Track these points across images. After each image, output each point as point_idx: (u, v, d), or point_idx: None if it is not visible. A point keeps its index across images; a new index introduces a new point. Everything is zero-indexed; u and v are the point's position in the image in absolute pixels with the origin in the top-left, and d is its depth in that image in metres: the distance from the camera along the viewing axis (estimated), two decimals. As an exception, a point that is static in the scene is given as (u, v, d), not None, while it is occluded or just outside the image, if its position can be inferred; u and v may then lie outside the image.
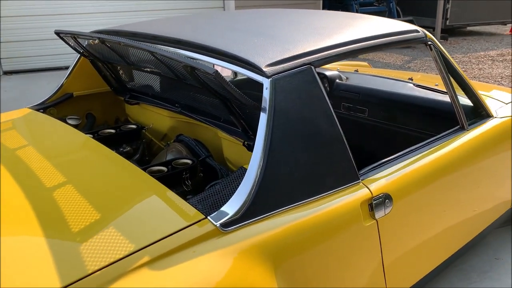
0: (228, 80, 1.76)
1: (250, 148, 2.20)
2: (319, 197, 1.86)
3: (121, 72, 3.05)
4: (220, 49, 2.02)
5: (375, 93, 3.51)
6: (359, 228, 1.96)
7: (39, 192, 1.79)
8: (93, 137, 2.69)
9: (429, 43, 2.50)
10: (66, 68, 3.04)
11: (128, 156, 2.81)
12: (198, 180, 2.37)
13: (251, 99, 1.88)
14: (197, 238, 1.54)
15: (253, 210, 1.66)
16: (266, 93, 1.71)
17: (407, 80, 3.63)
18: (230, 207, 1.65)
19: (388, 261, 2.12)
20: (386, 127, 3.42)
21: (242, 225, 1.64)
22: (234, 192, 1.72)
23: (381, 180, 2.10)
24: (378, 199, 2.02)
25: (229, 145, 2.47)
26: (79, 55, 3.06)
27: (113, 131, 2.81)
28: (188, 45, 2.17)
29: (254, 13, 2.86)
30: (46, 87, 7.69)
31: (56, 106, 3.09)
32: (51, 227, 1.54)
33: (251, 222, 1.66)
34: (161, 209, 1.66)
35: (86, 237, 1.42)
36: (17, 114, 2.84)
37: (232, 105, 2.07)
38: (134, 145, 2.87)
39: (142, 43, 2.21)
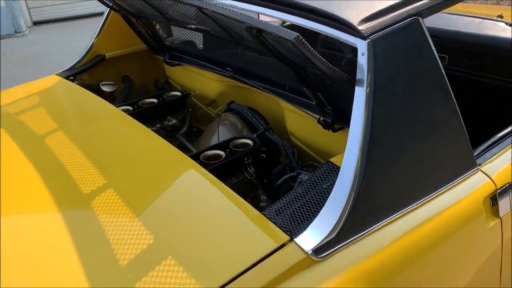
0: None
1: (327, 125, 1.73)
2: (433, 195, 1.41)
3: (158, 27, 2.57)
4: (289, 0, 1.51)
5: (457, 36, 2.89)
6: (481, 232, 1.50)
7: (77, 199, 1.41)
8: (134, 110, 2.28)
9: None
10: (100, 14, 2.57)
11: (174, 129, 2.39)
12: (260, 162, 1.95)
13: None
14: (284, 274, 1.13)
15: (353, 226, 1.23)
16: (362, 60, 1.24)
17: (496, 18, 2.99)
18: (322, 225, 1.22)
19: (506, 263, 1.67)
20: (472, 78, 2.83)
21: (341, 247, 1.22)
22: (322, 199, 1.28)
23: (502, 163, 1.61)
24: (502, 190, 1.55)
25: (295, 118, 2.02)
26: (108, 9, 2.59)
27: (155, 100, 2.38)
28: (246, -5, 1.67)
29: None
30: (79, 39, 7.27)
31: (88, 71, 2.68)
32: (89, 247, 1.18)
33: (352, 241, 1.23)
34: (230, 228, 1.26)
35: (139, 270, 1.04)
36: (44, 83, 2.44)
37: (307, 74, 1.58)
38: (179, 116, 2.44)
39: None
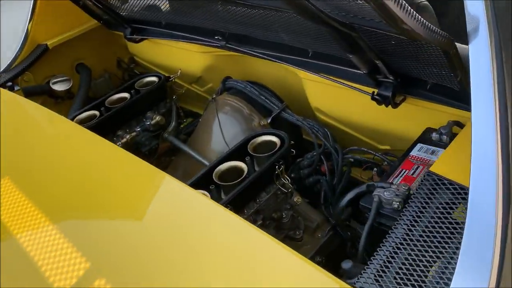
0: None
1: (384, 100, 1.22)
2: None
3: (108, -5, 1.94)
4: None
5: None
6: None
7: None
8: (101, 117, 1.71)
9: None
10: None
11: (160, 127, 1.84)
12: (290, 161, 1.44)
13: None
14: None
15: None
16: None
17: None
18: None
19: None
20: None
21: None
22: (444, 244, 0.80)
23: None
24: None
25: (323, 90, 1.49)
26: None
27: (126, 95, 1.80)
28: None
29: None
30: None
31: (30, 69, 2.06)
32: None
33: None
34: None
35: None
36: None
37: (360, 36, 1.04)
38: (162, 108, 1.88)
39: None
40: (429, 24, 0.84)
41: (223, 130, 1.71)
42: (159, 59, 2.18)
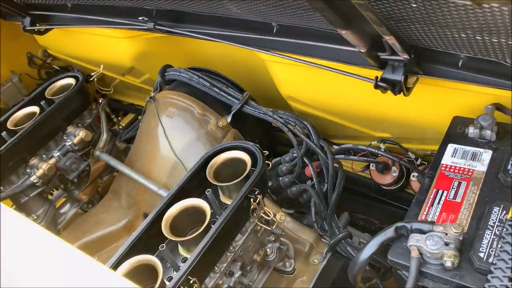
0: None
1: (391, 86, 0.84)
2: None
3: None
4: None
5: None
6: None
7: None
8: (5, 145, 1.26)
9: None
10: None
11: (86, 145, 1.40)
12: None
13: None
14: None
15: None
16: None
17: None
18: None
19: None
20: None
21: None
22: None
23: None
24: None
25: (293, 72, 1.10)
26: None
27: (35, 109, 1.35)
28: None
29: None
30: None
31: None
32: None
33: None
34: None
35: None
36: None
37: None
38: (86, 119, 1.43)
39: None
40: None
41: (171, 139, 1.31)
42: (78, 50, 1.74)
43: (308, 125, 1.19)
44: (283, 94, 1.24)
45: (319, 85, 1.12)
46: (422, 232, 0.69)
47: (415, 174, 1.16)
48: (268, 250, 1.07)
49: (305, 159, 1.19)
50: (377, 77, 0.86)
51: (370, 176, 1.25)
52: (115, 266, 0.85)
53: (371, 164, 1.23)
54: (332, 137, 1.39)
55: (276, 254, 1.09)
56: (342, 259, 1.17)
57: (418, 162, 1.19)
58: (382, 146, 1.22)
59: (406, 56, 0.79)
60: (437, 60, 0.82)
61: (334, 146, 1.25)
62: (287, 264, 1.15)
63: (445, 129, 0.88)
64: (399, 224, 0.71)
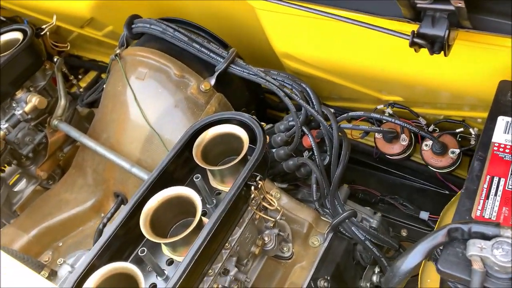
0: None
1: (430, 43, 0.66)
2: None
3: None
4: None
5: None
6: None
7: None
8: None
9: None
10: None
11: (43, 112, 1.18)
12: None
13: None
14: None
15: None
16: None
17: None
18: None
19: None
20: None
21: None
22: None
23: None
24: None
25: (289, 23, 0.92)
26: None
27: None
28: None
29: None
30: None
31: None
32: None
33: None
34: None
35: None
36: None
37: None
38: (39, 81, 1.20)
39: None
40: None
41: (143, 106, 1.10)
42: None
43: (307, 88, 1.02)
44: (277, 51, 1.05)
45: (324, 39, 0.93)
46: (485, 237, 0.54)
47: (427, 143, 1.02)
48: (266, 238, 0.92)
49: (304, 129, 1.03)
50: (413, 32, 0.67)
51: (375, 145, 1.10)
52: (81, 279, 0.66)
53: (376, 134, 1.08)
54: (326, 99, 1.22)
55: (275, 242, 0.94)
56: (346, 240, 1.03)
57: (430, 128, 1.04)
58: (389, 110, 1.06)
59: (460, 4, 0.60)
60: (489, 10, 0.64)
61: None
62: (285, 249, 1.01)
63: (485, 96, 0.72)
64: (452, 225, 0.56)
